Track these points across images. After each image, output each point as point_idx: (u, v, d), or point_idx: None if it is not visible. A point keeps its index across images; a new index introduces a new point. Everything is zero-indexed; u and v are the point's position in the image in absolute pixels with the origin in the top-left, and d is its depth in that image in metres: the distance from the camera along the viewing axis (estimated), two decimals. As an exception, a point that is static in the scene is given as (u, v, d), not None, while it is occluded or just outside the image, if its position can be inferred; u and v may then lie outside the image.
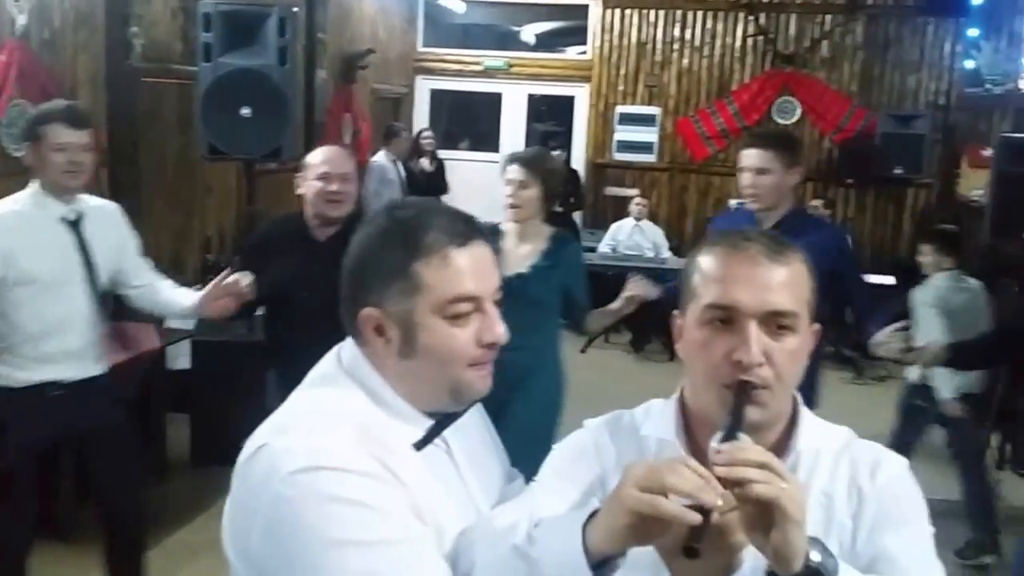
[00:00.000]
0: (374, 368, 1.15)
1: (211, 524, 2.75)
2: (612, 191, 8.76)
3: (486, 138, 9.32)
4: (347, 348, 1.18)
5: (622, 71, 8.76)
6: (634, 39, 8.68)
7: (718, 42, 8.53)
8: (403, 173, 7.55)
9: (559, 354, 3.29)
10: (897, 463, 1.15)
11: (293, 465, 1.02)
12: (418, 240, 1.11)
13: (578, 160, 8.77)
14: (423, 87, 9.23)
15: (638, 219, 7.46)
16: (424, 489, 1.10)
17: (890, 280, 6.76)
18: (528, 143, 8.76)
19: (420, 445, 1.13)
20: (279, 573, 1.03)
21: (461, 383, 1.14)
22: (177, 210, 5.25)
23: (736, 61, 8.51)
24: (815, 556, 0.92)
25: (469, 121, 9.80)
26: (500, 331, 1.14)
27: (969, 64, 7.91)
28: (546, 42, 9.49)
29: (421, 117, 9.14)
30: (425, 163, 7.75)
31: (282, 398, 1.17)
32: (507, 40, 9.56)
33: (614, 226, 7.55)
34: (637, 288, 3.15)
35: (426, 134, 7.94)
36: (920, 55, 8.25)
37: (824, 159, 8.43)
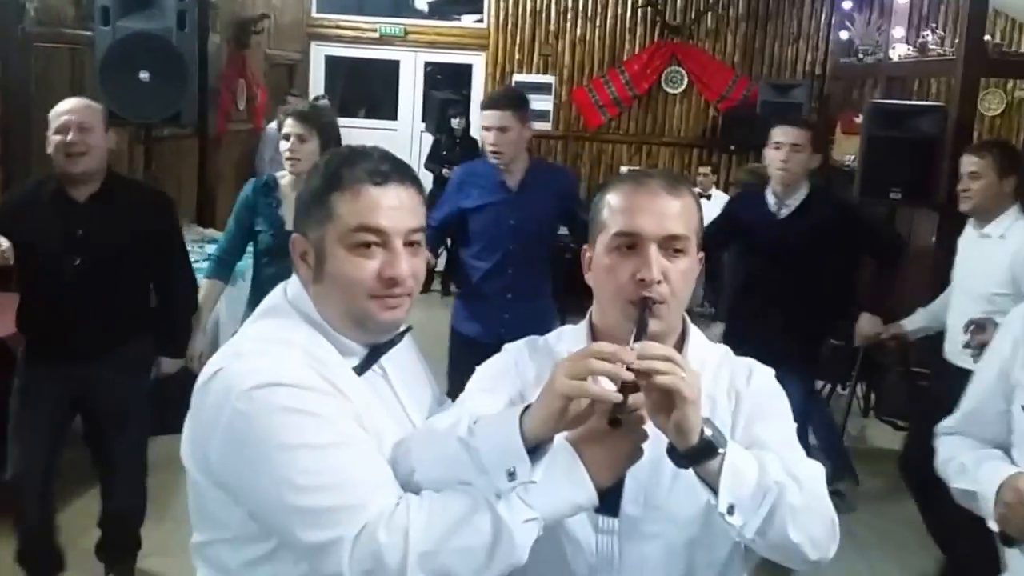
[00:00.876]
0: (310, 298, 1.32)
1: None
2: (509, 158, 8.98)
3: (383, 106, 9.39)
4: (292, 282, 1.36)
5: (518, 40, 8.97)
6: (529, 8, 8.88)
7: (609, 12, 8.83)
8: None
9: None
10: (766, 371, 1.41)
11: (249, 383, 1.20)
12: (340, 175, 1.28)
13: (477, 128, 8.94)
14: (318, 53, 9.22)
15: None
16: (365, 404, 1.28)
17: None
18: (426, 111, 8.89)
19: (360, 370, 1.32)
20: (238, 478, 1.21)
21: (362, 312, 1.29)
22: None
23: (627, 32, 8.83)
24: (707, 431, 1.15)
25: (366, 89, 9.84)
26: (401, 269, 1.27)
27: (843, 35, 8.44)
28: (439, 10, 9.58)
29: (317, 84, 9.14)
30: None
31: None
32: (401, 7, 9.61)
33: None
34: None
35: (321, 102, 7.98)
36: (798, 27, 8.74)
37: (709, 127, 8.86)
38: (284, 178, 3.41)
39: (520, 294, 3.49)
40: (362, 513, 1.15)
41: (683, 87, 8.79)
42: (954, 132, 5.48)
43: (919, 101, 7.32)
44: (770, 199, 3.67)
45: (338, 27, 9.12)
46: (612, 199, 1.35)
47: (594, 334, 1.39)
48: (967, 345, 3.03)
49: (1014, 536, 1.54)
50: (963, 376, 1.91)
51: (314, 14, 9.10)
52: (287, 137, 3.32)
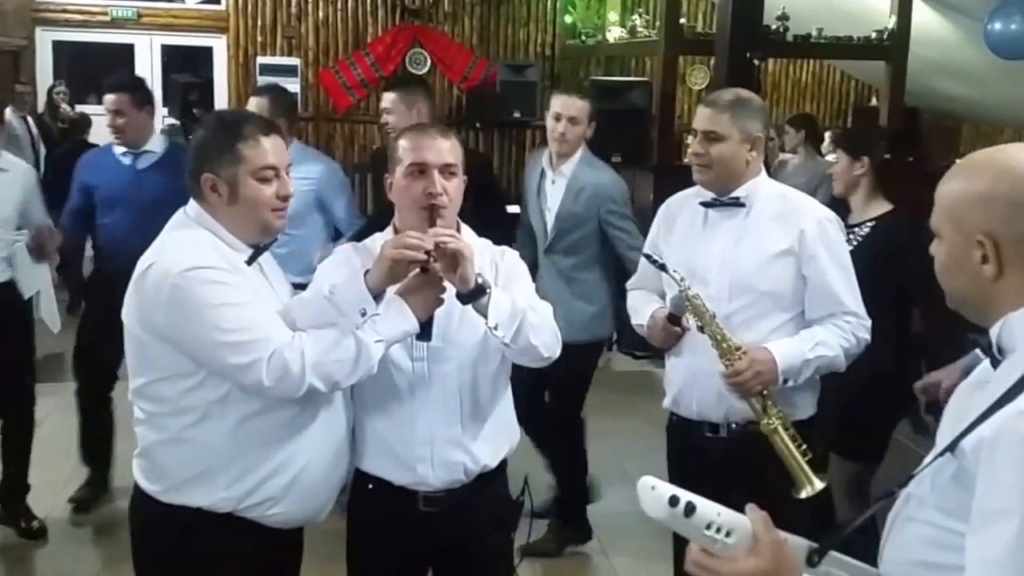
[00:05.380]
0: (210, 215, 2.01)
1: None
2: (259, 141, 9.42)
3: (120, 91, 9.47)
4: (190, 206, 2.03)
5: (259, 22, 9.42)
6: (268, -10, 9.35)
7: (350, -4, 9.52)
8: (34, 129, 7.72)
9: None
10: (513, 252, 2.24)
11: (180, 268, 1.89)
12: (240, 129, 1.98)
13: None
14: (44, 39, 9.18)
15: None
16: (253, 283, 2.00)
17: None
18: (167, 95, 9.10)
19: (250, 261, 2.02)
20: (180, 332, 1.90)
21: (266, 222, 2.02)
22: None
23: (369, 15, 9.55)
24: (479, 279, 1.94)
25: (99, 73, 9.84)
26: (290, 189, 2.02)
27: (568, 19, 9.68)
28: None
29: (45, 70, 9.10)
30: (68, 111, 7.95)
31: None
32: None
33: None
34: None
35: (59, 89, 8.11)
36: (527, 11, 9.87)
37: (455, 106, 9.80)
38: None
39: None
40: (270, 343, 1.87)
41: (427, 68, 9.66)
42: (660, 104, 6.75)
43: (633, 78, 8.65)
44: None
45: (65, 11, 9.12)
46: (404, 142, 2.11)
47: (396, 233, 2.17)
48: None
49: (657, 347, 2.60)
50: None
51: (38, -3, 9.06)
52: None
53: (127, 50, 9.40)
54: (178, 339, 1.91)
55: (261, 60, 9.33)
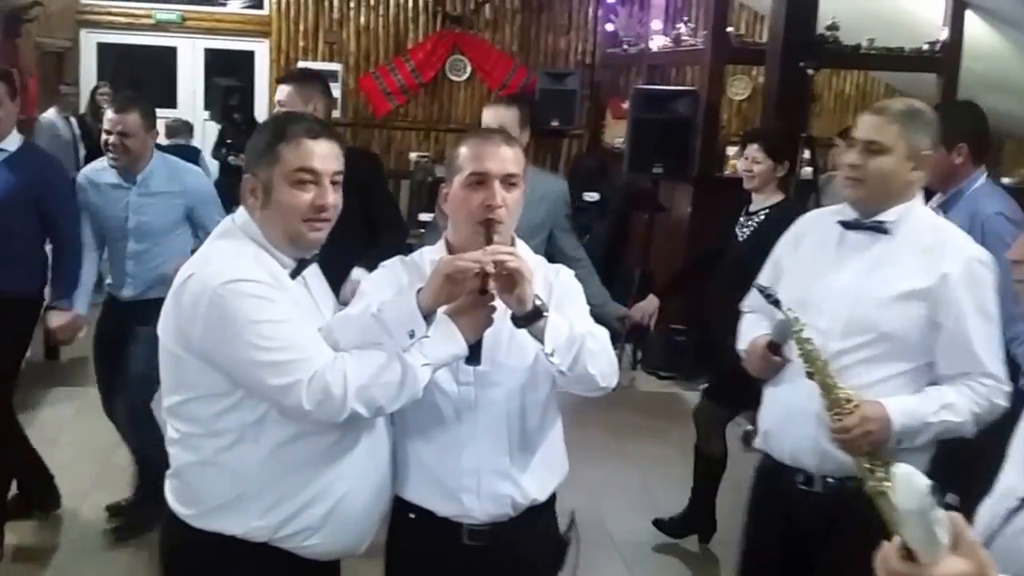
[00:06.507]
0: (255, 223, 1.89)
1: None
2: (299, 146, 9.39)
3: (161, 93, 9.49)
4: (239, 212, 1.92)
5: (301, 27, 9.40)
6: (311, -5, 9.32)
7: (392, 2, 9.46)
8: (77, 130, 7.71)
9: None
10: (568, 271, 2.11)
11: (221, 280, 1.77)
12: (284, 130, 1.86)
13: (262, 116, 9.28)
14: (89, 40, 9.21)
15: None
16: (296, 298, 1.88)
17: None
18: (208, 98, 9.11)
19: (294, 275, 1.91)
20: (217, 348, 1.78)
21: (296, 232, 1.86)
22: None
23: (410, 21, 9.50)
24: (537, 301, 1.82)
25: (141, 76, 9.88)
26: (329, 199, 1.86)
27: (609, 27, 9.54)
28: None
29: (89, 72, 9.13)
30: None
31: None
32: (172, -8, 9.73)
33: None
34: None
35: (102, 90, 8.08)
36: (569, 19, 9.77)
37: (493, 113, 9.69)
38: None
39: None
40: (311, 364, 1.75)
41: (467, 75, 9.59)
42: (704, 114, 6.60)
43: (676, 87, 8.50)
44: None
45: (110, 13, 9.16)
46: (465, 150, 1.98)
47: (449, 249, 2.03)
48: None
49: (754, 375, 2.38)
50: None
51: (83, 0, 9.09)
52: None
53: (170, 53, 9.41)
54: (215, 356, 1.80)
55: (302, 65, 9.26)
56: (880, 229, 2.22)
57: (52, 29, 8.37)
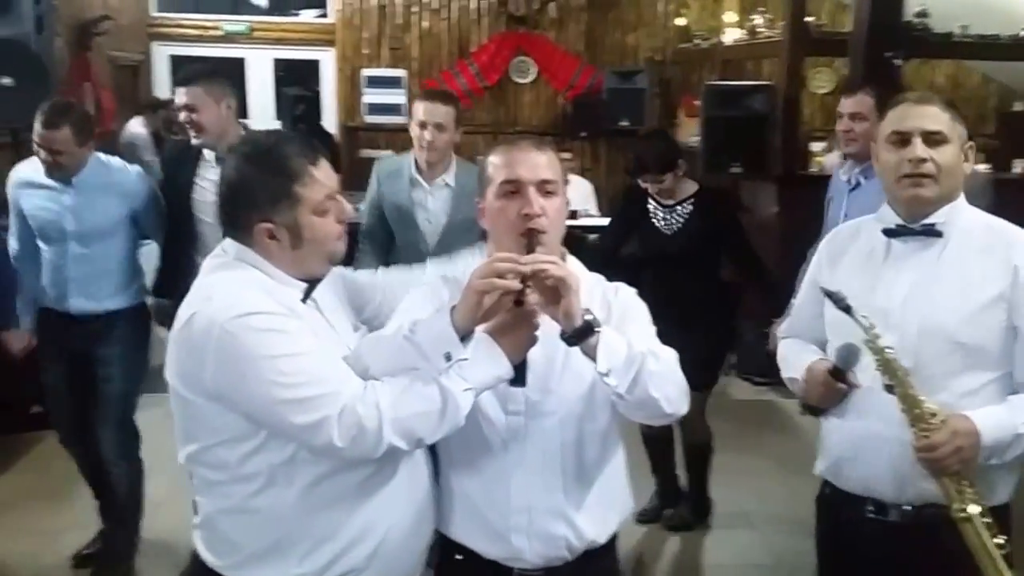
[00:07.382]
0: (258, 254, 1.71)
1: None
2: (366, 153, 9.32)
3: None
4: (228, 244, 1.74)
5: (365, 35, 9.32)
6: (374, 2, 9.24)
7: (455, 5, 9.31)
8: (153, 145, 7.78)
9: None
10: (629, 289, 1.89)
11: (228, 315, 1.59)
12: (288, 167, 1.68)
13: (330, 124, 9.25)
14: (161, 53, 9.29)
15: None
16: (313, 324, 1.71)
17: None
18: (279, 108, 9.10)
19: (305, 298, 1.73)
20: (232, 389, 1.60)
21: (333, 252, 1.76)
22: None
23: (473, 24, 9.34)
24: (587, 315, 1.61)
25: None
26: (349, 209, 1.76)
27: (680, 22, 9.23)
28: (280, 5, 9.80)
29: (161, 84, 9.21)
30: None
31: None
32: (240, 4, 9.77)
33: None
34: None
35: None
36: (637, 15, 9.48)
37: (559, 115, 9.47)
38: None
39: None
40: (339, 397, 1.57)
41: (532, 77, 9.38)
42: (783, 109, 6.25)
43: (752, 82, 8.14)
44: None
45: (180, 26, 9.22)
46: (494, 159, 1.80)
47: None
48: None
49: (814, 405, 2.11)
50: None
51: (153, 13, 9.17)
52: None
53: (239, 64, 9.43)
54: (231, 397, 1.62)
55: (366, 72, 9.22)
56: (933, 232, 2.01)
57: (124, 42, 8.43)
